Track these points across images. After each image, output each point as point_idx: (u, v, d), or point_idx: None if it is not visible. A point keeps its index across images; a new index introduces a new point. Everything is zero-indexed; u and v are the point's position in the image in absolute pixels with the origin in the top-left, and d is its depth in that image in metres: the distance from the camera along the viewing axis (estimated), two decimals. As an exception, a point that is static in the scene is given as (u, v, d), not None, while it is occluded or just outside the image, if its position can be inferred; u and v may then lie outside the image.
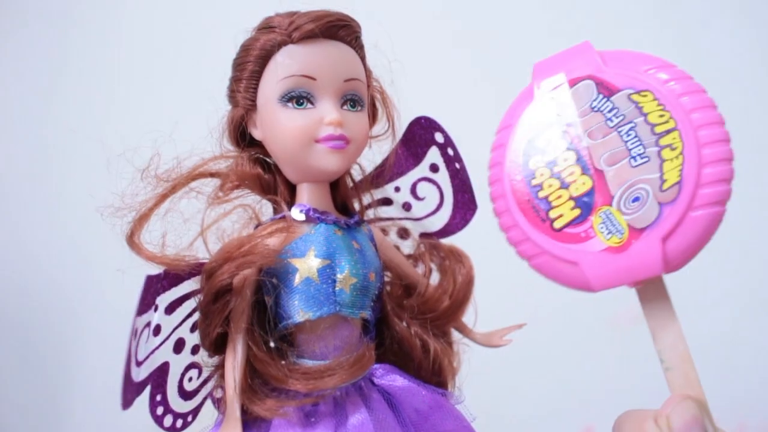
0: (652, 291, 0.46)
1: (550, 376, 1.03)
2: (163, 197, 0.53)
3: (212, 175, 0.55)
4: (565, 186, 0.46)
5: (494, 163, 0.50)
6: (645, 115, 0.44)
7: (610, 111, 0.45)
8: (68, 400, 1.17)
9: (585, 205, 0.45)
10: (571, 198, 0.46)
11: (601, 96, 0.46)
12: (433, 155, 0.60)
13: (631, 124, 0.45)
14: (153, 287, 0.48)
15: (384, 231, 0.62)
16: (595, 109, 0.46)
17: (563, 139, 0.46)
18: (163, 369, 0.51)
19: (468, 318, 0.61)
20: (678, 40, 1.11)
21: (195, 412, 0.55)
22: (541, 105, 0.48)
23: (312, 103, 0.51)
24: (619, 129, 0.45)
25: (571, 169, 0.46)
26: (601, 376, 1.02)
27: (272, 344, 0.50)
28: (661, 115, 0.44)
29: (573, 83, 0.47)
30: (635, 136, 0.44)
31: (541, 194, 0.47)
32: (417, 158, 0.61)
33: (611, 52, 0.48)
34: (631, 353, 0.94)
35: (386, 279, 0.59)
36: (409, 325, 0.57)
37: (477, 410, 0.57)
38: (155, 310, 0.49)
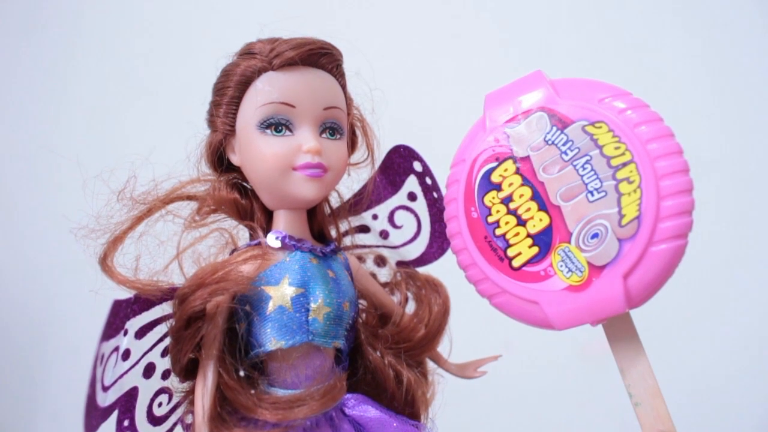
0: (618, 327, 0.45)
1: (524, 408, 1.02)
2: (139, 220, 0.53)
3: (189, 198, 0.55)
4: (521, 223, 0.45)
5: (450, 200, 0.48)
6: (600, 147, 0.43)
7: (564, 144, 0.44)
8: (37, 424, 1.15)
9: (543, 243, 0.44)
10: (528, 235, 0.45)
11: (555, 128, 0.45)
12: (411, 184, 0.60)
13: (587, 157, 0.43)
14: (122, 312, 0.48)
15: (361, 258, 0.62)
16: (549, 142, 0.45)
17: (518, 174, 0.45)
18: (132, 394, 0.50)
19: (443, 348, 0.60)
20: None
21: (164, 437, 0.54)
22: (493, 138, 0.47)
23: (291, 131, 0.51)
24: (575, 162, 0.44)
25: (527, 205, 0.45)
26: (576, 410, 1.01)
27: (242, 373, 0.50)
28: (617, 147, 0.43)
29: (526, 115, 0.46)
30: (591, 170, 0.43)
31: (498, 232, 0.46)
32: (395, 186, 0.61)
33: (564, 80, 0.46)
34: (606, 385, 0.94)
35: (361, 308, 0.59)
36: (383, 355, 0.57)
37: (450, 442, 0.57)
38: (125, 334, 0.49)
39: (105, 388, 0.47)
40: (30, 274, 1.16)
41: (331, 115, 0.52)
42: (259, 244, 0.53)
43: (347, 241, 0.61)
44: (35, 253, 1.15)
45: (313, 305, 0.51)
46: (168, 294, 0.51)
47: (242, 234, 0.57)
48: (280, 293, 0.50)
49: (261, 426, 0.49)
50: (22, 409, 1.14)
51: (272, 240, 0.52)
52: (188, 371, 0.51)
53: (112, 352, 0.48)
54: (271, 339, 0.50)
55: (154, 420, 0.53)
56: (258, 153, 0.51)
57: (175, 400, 0.54)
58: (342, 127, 0.53)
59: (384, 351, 0.57)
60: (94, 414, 0.47)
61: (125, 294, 0.49)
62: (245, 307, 0.50)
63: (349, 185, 0.59)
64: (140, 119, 1.07)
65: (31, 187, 1.19)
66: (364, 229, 0.63)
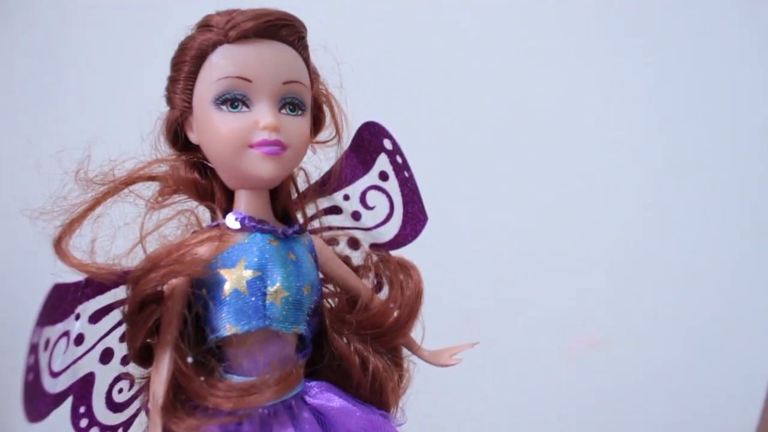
0: None
1: (500, 398, 0.98)
2: (97, 201, 0.51)
3: (150, 179, 0.53)
4: None
5: None
6: None
7: None
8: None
9: None
10: None
11: None
12: (382, 162, 0.58)
13: None
14: (70, 295, 0.46)
15: (334, 241, 0.60)
16: None
17: None
18: (88, 380, 0.49)
19: (416, 334, 0.58)
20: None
21: (126, 424, 0.53)
22: None
23: (247, 106, 0.49)
24: None
25: None
26: (552, 401, 0.97)
27: (190, 359, 0.47)
28: None
29: None
30: None
31: None
32: (366, 165, 0.58)
33: None
34: (584, 378, 0.90)
35: (330, 292, 0.57)
36: (350, 341, 0.54)
37: (421, 432, 0.55)
38: (77, 318, 0.47)
39: (54, 374, 0.46)
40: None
41: (291, 90, 0.50)
42: (218, 225, 0.51)
43: (316, 224, 0.59)
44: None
45: (270, 289, 0.48)
46: (122, 278, 0.49)
47: (207, 215, 0.55)
48: (236, 276, 0.48)
49: (215, 415, 0.47)
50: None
51: (231, 221, 0.50)
52: (144, 357, 0.50)
53: (60, 337, 0.46)
54: (226, 324, 0.48)
55: (114, 407, 0.52)
56: (213, 130, 0.48)
57: (137, 387, 0.53)
58: (304, 102, 0.51)
59: (350, 337, 0.54)
60: (43, 400, 0.45)
61: (71, 277, 0.47)
62: (201, 291, 0.48)
63: (316, 164, 0.57)
64: (98, 97, 1.02)
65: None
66: (335, 210, 0.60)
